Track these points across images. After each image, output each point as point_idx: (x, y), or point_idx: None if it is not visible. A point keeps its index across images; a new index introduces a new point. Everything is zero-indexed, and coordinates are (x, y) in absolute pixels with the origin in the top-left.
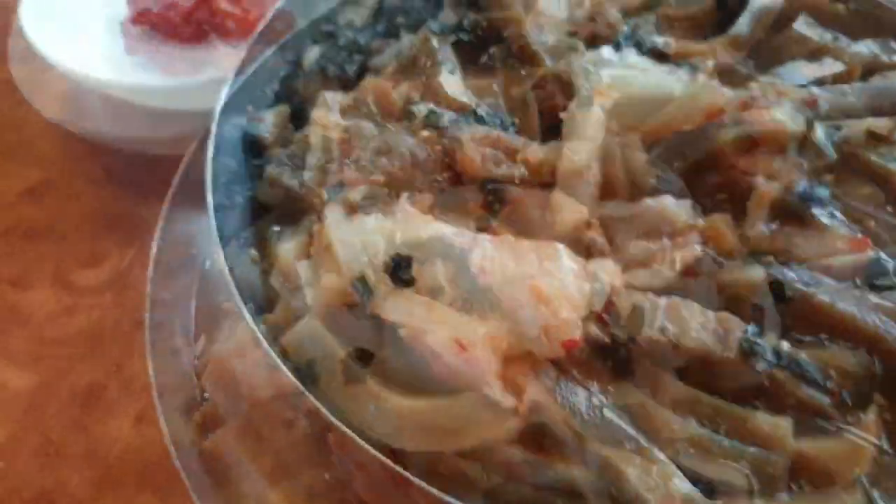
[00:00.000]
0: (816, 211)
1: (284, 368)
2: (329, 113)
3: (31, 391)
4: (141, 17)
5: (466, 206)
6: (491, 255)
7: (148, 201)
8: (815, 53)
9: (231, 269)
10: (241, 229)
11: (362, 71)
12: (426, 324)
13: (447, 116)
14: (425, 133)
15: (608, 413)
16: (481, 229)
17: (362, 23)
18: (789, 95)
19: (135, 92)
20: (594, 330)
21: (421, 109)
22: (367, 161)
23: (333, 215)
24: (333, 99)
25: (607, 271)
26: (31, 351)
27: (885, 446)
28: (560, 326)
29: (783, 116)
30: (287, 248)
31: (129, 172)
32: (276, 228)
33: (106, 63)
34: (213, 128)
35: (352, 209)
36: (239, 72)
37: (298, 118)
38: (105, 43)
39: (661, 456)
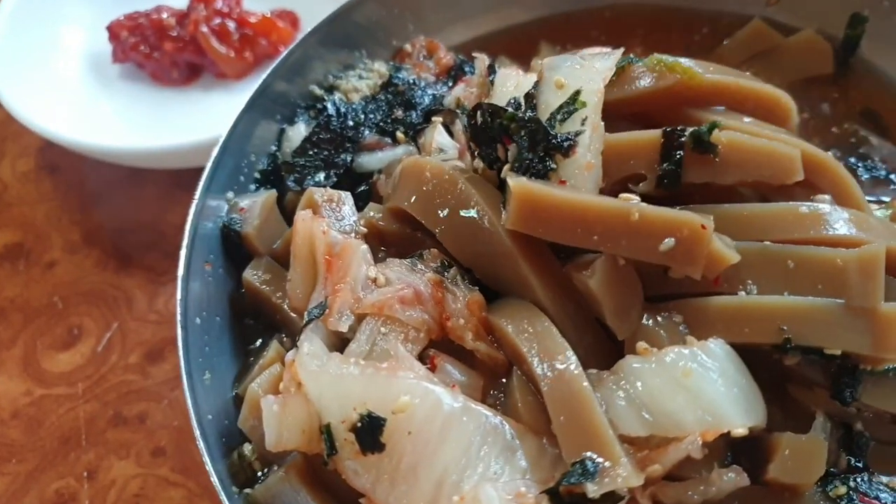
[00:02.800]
0: None
1: None
2: (315, 222)
3: None
4: (124, 56)
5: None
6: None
7: (130, 272)
8: None
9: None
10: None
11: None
12: (389, 499)
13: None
14: (433, 276)
15: None
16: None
17: (367, 94)
18: None
19: (112, 155)
20: None
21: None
22: (359, 285)
23: (310, 348)
24: (321, 198)
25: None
26: None
27: None
28: None
29: None
30: (256, 383)
31: (113, 239)
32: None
33: (85, 118)
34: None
35: (337, 337)
36: (224, 148)
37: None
38: (85, 100)
39: None
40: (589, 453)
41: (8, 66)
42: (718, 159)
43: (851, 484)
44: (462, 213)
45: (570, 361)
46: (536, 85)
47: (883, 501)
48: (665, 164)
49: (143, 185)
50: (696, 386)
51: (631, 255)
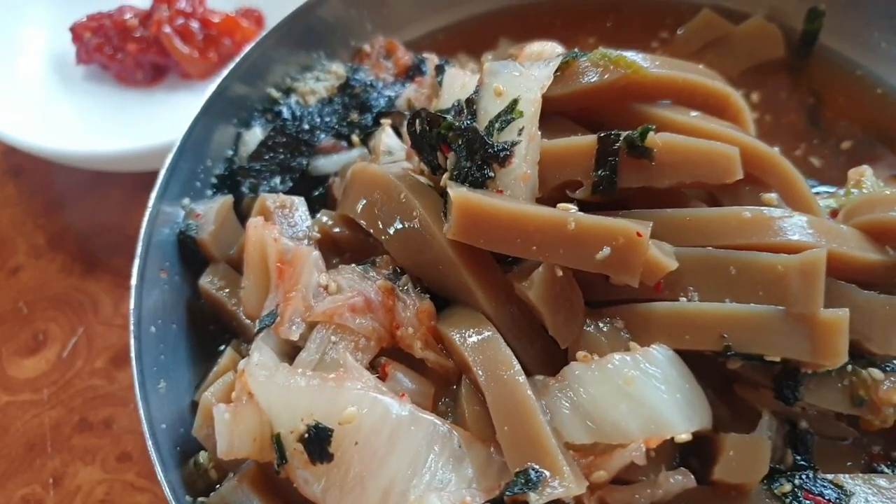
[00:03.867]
0: None
1: None
2: (267, 230)
3: None
4: (87, 57)
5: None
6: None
7: (98, 276)
8: None
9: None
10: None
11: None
12: None
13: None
14: (384, 283)
15: None
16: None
17: (324, 96)
18: None
19: (76, 159)
20: None
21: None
22: (310, 293)
23: (260, 358)
24: (273, 204)
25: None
26: None
27: None
28: None
29: None
30: (209, 392)
31: (78, 243)
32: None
33: (49, 122)
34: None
35: (289, 345)
36: (179, 153)
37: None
38: (48, 102)
39: None
40: (532, 463)
41: None
42: (654, 163)
43: (797, 482)
44: (405, 223)
45: (513, 371)
46: (477, 91)
47: (827, 498)
48: (600, 171)
49: (108, 188)
50: (639, 393)
51: (568, 265)
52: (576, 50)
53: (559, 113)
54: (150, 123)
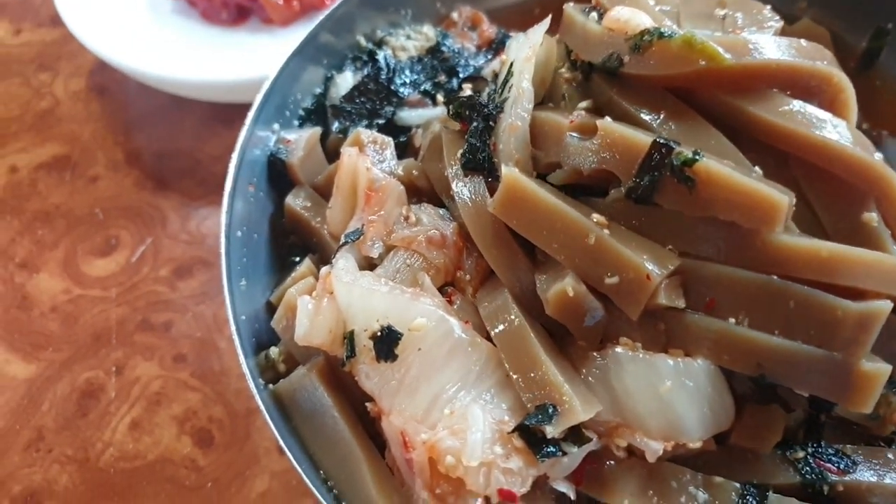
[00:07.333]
0: None
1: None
2: (360, 158)
3: (30, 382)
4: None
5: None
6: (477, 362)
7: (168, 194)
8: None
9: (235, 315)
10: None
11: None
12: (389, 406)
13: None
14: (458, 226)
15: None
16: None
17: (413, 55)
18: None
19: (161, 82)
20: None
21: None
22: (392, 220)
23: (345, 264)
24: (367, 138)
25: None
26: (34, 341)
27: None
28: (506, 472)
29: None
30: (293, 289)
31: (152, 162)
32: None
33: (138, 45)
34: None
35: (366, 261)
36: (274, 84)
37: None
38: (138, 28)
39: None
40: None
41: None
42: (692, 193)
43: (809, 450)
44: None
45: (517, 322)
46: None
47: (836, 465)
48: (641, 178)
49: (183, 114)
50: (670, 399)
51: (581, 276)
52: (661, 28)
53: (643, 84)
54: (229, 60)
